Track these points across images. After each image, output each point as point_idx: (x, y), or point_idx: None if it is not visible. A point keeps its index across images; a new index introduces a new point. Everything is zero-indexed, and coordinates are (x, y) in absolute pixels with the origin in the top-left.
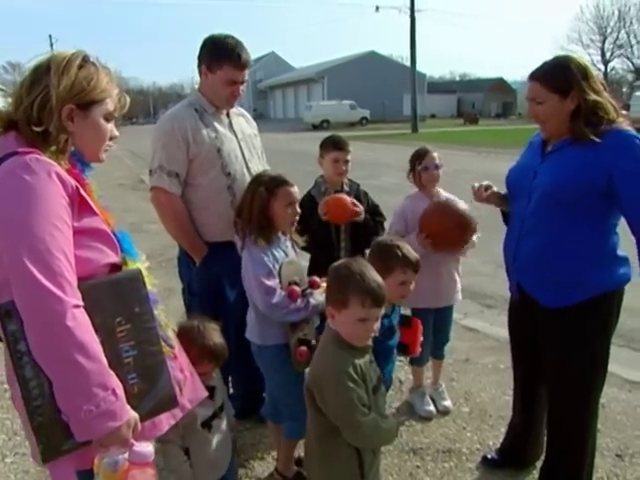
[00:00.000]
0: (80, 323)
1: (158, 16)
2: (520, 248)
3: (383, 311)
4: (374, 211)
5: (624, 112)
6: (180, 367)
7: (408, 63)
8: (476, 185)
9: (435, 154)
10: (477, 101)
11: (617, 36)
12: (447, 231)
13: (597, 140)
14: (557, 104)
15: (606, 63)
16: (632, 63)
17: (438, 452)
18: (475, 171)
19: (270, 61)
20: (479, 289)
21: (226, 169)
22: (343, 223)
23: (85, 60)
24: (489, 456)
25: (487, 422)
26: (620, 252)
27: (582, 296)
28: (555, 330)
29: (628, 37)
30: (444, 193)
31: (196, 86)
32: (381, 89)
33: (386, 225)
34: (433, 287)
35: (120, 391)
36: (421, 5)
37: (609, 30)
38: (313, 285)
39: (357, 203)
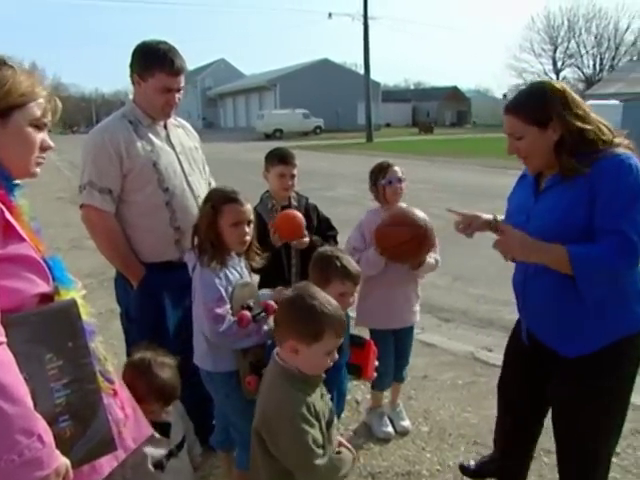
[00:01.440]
0: (2, 362)
1: (102, 19)
2: (528, 292)
3: None
4: (325, 225)
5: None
6: (121, 404)
7: (362, 71)
8: (460, 226)
9: (397, 167)
10: (432, 110)
11: (567, 46)
12: (404, 243)
13: (586, 171)
14: (537, 137)
15: (557, 72)
16: (582, 73)
17: (397, 475)
18: (432, 181)
19: (220, 68)
20: (436, 302)
21: (163, 184)
22: (295, 239)
23: None
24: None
25: (447, 441)
26: None
27: (601, 342)
28: (571, 380)
29: (578, 47)
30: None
31: (130, 96)
32: (335, 98)
33: (340, 238)
34: (390, 308)
35: (48, 436)
36: (375, 12)
37: (560, 40)
38: (268, 309)
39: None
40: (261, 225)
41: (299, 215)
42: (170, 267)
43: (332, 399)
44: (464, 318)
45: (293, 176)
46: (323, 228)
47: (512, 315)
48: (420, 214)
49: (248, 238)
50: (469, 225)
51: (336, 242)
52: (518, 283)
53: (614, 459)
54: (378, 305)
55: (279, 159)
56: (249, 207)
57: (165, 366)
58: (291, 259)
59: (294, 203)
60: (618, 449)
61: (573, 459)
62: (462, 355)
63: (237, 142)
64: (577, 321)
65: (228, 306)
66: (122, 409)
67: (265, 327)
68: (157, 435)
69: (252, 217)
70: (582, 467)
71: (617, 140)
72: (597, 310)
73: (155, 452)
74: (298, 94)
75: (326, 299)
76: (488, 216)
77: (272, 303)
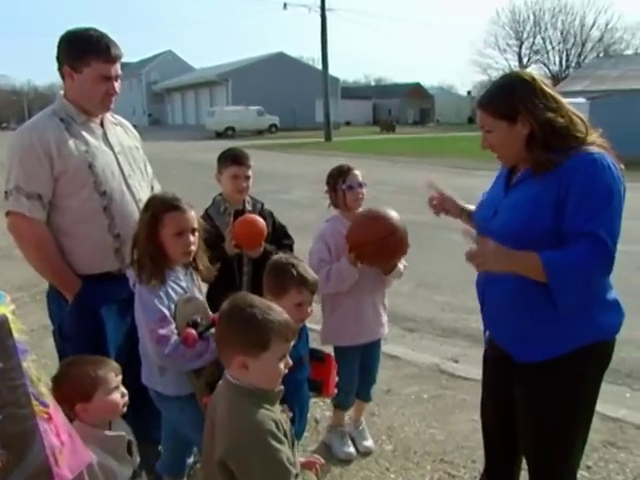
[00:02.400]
0: None
1: (35, 7)
2: (487, 293)
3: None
4: (281, 233)
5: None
6: (56, 430)
7: (320, 66)
8: (433, 193)
9: (359, 171)
10: (393, 107)
11: (533, 41)
12: (385, 237)
13: (556, 167)
14: (507, 131)
15: (523, 69)
16: (549, 69)
17: None
18: (394, 183)
19: (167, 60)
20: (399, 311)
21: (100, 187)
22: (254, 249)
23: None
24: None
25: (412, 460)
26: (609, 295)
27: (560, 349)
28: (527, 389)
29: (544, 43)
30: None
31: (61, 92)
32: (291, 94)
33: (296, 246)
34: (360, 321)
35: None
36: (333, 4)
37: (525, 35)
38: (216, 323)
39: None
40: (213, 229)
41: (261, 222)
42: (110, 279)
43: (293, 418)
44: (429, 327)
45: (247, 178)
46: (278, 236)
47: (478, 324)
48: (393, 213)
49: (193, 248)
50: (442, 203)
51: (292, 251)
52: (479, 284)
53: (585, 473)
54: (347, 319)
55: (232, 160)
56: (193, 214)
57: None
58: (242, 267)
59: (248, 208)
60: (589, 462)
61: (538, 473)
62: (427, 367)
63: (186, 141)
64: (534, 325)
65: (173, 326)
66: (57, 435)
67: (213, 344)
68: (126, 454)
69: (197, 224)
70: None
71: (591, 138)
72: (555, 315)
73: (125, 472)
74: (252, 90)
75: (265, 304)
76: (465, 205)
77: None
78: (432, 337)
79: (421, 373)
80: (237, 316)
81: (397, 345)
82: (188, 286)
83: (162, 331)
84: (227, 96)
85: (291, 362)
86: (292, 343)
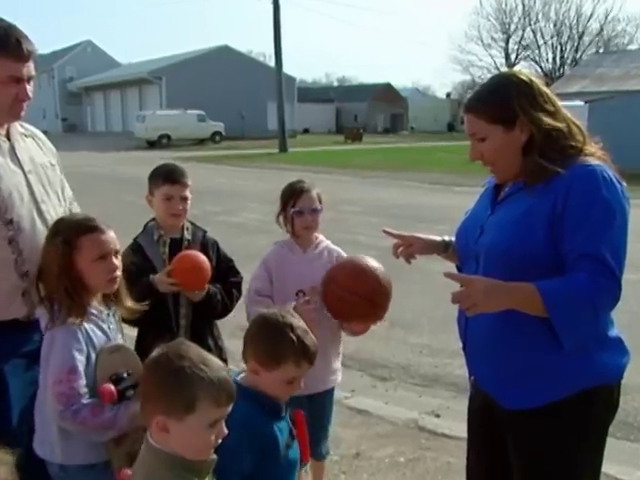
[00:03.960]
0: None
1: None
2: (469, 330)
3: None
4: (227, 268)
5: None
6: None
7: (272, 63)
8: (399, 249)
9: (314, 192)
10: (360, 112)
11: (522, 35)
12: (359, 303)
13: (551, 177)
14: (503, 138)
15: (511, 66)
16: (541, 67)
17: None
18: (362, 202)
19: (85, 53)
20: (368, 356)
21: (6, 215)
22: (197, 292)
23: None
24: None
25: None
26: (610, 332)
27: (554, 395)
28: (516, 442)
29: (534, 36)
30: (326, 242)
31: None
32: (239, 96)
33: (246, 278)
34: None
35: None
36: None
37: (513, 27)
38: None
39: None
40: (145, 262)
41: (206, 262)
42: (15, 328)
43: None
44: (404, 376)
45: (184, 199)
46: (223, 271)
47: (463, 369)
48: (375, 264)
49: (119, 273)
50: (409, 246)
51: (239, 291)
52: (461, 321)
53: None
54: None
55: (165, 178)
56: (112, 234)
57: None
58: (179, 308)
59: (187, 236)
60: None
61: None
62: (403, 424)
63: (110, 151)
64: (524, 365)
65: (83, 382)
66: None
67: (123, 410)
68: None
69: (118, 246)
70: None
71: (589, 149)
72: (549, 353)
73: None
74: (191, 90)
75: (201, 357)
76: (435, 237)
77: None
78: (409, 387)
79: (396, 431)
80: (163, 368)
81: (367, 397)
82: (112, 328)
83: (70, 385)
84: (160, 97)
85: (226, 431)
86: (227, 409)
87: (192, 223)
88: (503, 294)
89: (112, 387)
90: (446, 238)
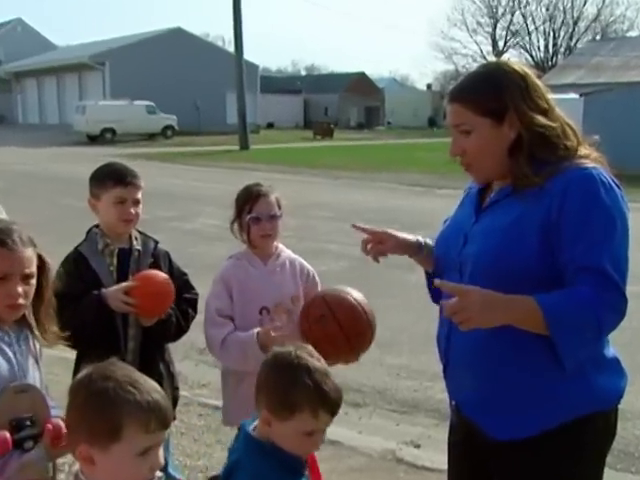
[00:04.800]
0: None
1: None
2: (451, 348)
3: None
4: (181, 284)
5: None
6: None
7: (232, 48)
8: (368, 245)
9: (273, 197)
10: (331, 105)
11: (511, 19)
12: (342, 340)
13: (544, 183)
14: (490, 133)
15: (498, 55)
16: (531, 56)
17: None
18: (333, 206)
19: (15, 33)
20: (340, 379)
21: None
22: (155, 318)
23: None
24: None
25: None
26: (608, 351)
27: (547, 423)
28: (505, 473)
29: (525, 21)
30: (287, 252)
31: None
32: (194, 85)
33: (202, 292)
34: None
35: None
36: None
37: (501, 11)
38: (50, 432)
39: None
40: (89, 274)
41: (173, 288)
42: None
43: None
44: (380, 401)
45: (137, 202)
46: (177, 287)
47: (446, 394)
48: (358, 296)
49: (22, 302)
50: (379, 243)
51: (195, 309)
52: (442, 338)
53: None
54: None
55: (116, 179)
56: (28, 253)
57: None
58: (128, 328)
59: (137, 246)
60: None
61: None
62: (379, 455)
63: (44, 146)
64: (512, 389)
65: None
66: None
67: (16, 462)
68: None
69: (32, 269)
70: None
71: (583, 151)
72: (539, 375)
73: None
74: (139, 78)
75: (129, 379)
76: (409, 236)
77: (60, 424)
78: (385, 414)
79: (371, 464)
80: (84, 390)
81: (338, 426)
82: (20, 355)
83: None
84: (104, 86)
85: (162, 463)
86: (160, 436)
87: (140, 232)
88: (501, 308)
89: (7, 435)
90: (420, 238)
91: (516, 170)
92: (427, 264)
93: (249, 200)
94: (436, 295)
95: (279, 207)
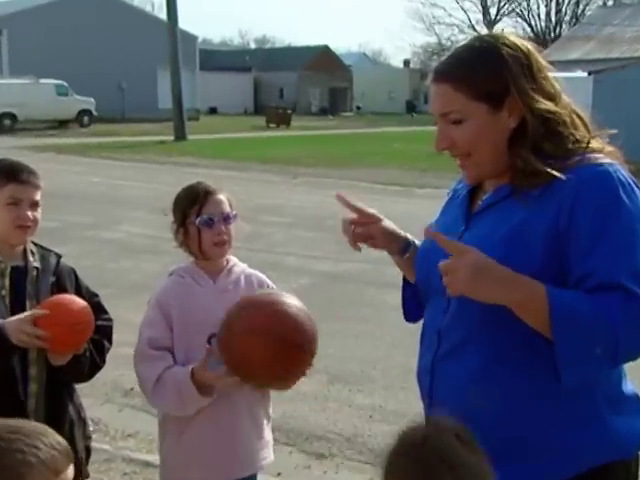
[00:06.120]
0: None
1: None
2: (436, 383)
3: None
4: (91, 307)
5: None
6: None
7: (163, 15)
8: (352, 226)
9: (224, 195)
10: (288, 86)
11: None
12: (269, 360)
13: (552, 180)
14: (487, 121)
15: (490, 24)
16: (530, 25)
17: None
18: (289, 210)
19: None
20: (301, 424)
21: None
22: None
23: None
24: None
25: None
26: (625, 387)
27: (558, 474)
28: None
29: None
30: (241, 266)
31: None
32: (116, 61)
33: (131, 316)
34: (222, 446)
35: None
36: None
37: None
38: None
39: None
40: None
41: (91, 312)
42: None
43: None
44: (349, 450)
45: (35, 205)
46: None
47: None
48: (296, 302)
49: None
50: (370, 238)
51: (110, 340)
52: (424, 371)
53: None
54: (205, 443)
55: (8, 175)
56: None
57: None
58: (28, 366)
59: (35, 263)
60: None
61: None
62: None
63: None
64: (519, 437)
65: None
66: None
67: None
68: None
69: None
70: None
71: (595, 143)
72: (552, 421)
73: None
74: (46, 51)
75: (37, 431)
76: (397, 230)
77: None
78: (355, 466)
79: None
80: None
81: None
82: None
83: None
84: (0, 60)
85: None
86: None
87: (37, 244)
88: (496, 279)
89: None
90: (409, 236)
91: (519, 165)
92: (408, 270)
93: (196, 200)
94: (412, 312)
95: (232, 208)
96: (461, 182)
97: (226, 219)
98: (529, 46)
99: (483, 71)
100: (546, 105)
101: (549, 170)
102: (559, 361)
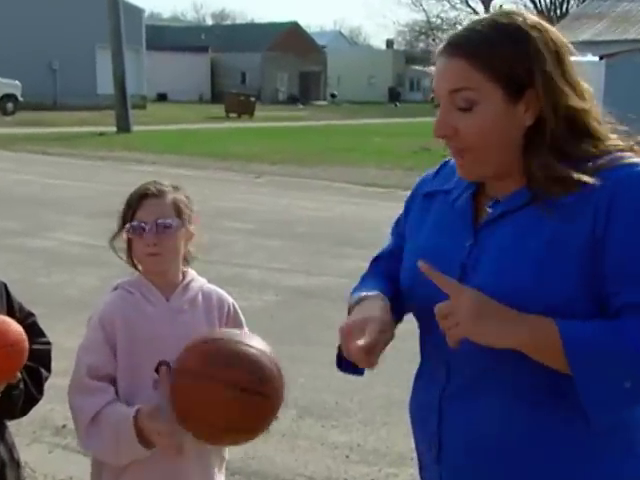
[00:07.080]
0: None
1: None
2: (449, 425)
3: None
4: (26, 328)
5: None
6: None
7: None
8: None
9: (170, 198)
10: (251, 69)
11: None
12: (229, 413)
13: (583, 187)
14: (500, 109)
15: (487, 2)
16: (533, 2)
17: None
18: (252, 215)
19: None
20: (264, 467)
21: None
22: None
23: None
24: None
25: None
26: None
27: None
28: None
29: None
30: (200, 281)
31: None
32: (47, 38)
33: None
34: None
35: None
36: None
37: None
38: None
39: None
40: None
41: (25, 336)
42: None
43: None
44: None
45: None
46: None
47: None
48: (260, 346)
49: None
50: (363, 330)
51: (48, 367)
52: (427, 408)
53: None
54: None
55: None
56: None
57: None
58: None
59: None
60: None
61: None
62: None
63: None
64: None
65: None
66: None
67: None
68: None
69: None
70: None
71: (615, 142)
72: (584, 463)
73: None
74: None
75: None
76: (377, 298)
77: None
78: None
79: None
80: None
81: None
82: None
83: None
84: None
85: None
86: None
87: None
88: (497, 318)
89: None
90: (385, 299)
91: (538, 172)
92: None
93: (132, 203)
94: (345, 361)
95: (178, 214)
96: (447, 181)
97: (159, 227)
98: (553, 29)
99: (507, 51)
100: (575, 101)
101: (578, 176)
102: (584, 402)
